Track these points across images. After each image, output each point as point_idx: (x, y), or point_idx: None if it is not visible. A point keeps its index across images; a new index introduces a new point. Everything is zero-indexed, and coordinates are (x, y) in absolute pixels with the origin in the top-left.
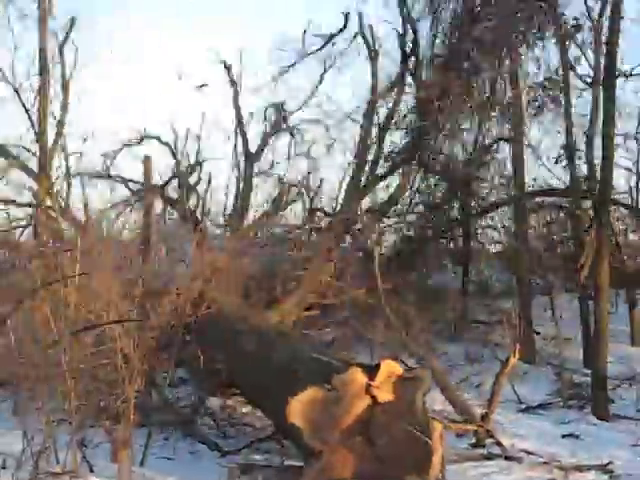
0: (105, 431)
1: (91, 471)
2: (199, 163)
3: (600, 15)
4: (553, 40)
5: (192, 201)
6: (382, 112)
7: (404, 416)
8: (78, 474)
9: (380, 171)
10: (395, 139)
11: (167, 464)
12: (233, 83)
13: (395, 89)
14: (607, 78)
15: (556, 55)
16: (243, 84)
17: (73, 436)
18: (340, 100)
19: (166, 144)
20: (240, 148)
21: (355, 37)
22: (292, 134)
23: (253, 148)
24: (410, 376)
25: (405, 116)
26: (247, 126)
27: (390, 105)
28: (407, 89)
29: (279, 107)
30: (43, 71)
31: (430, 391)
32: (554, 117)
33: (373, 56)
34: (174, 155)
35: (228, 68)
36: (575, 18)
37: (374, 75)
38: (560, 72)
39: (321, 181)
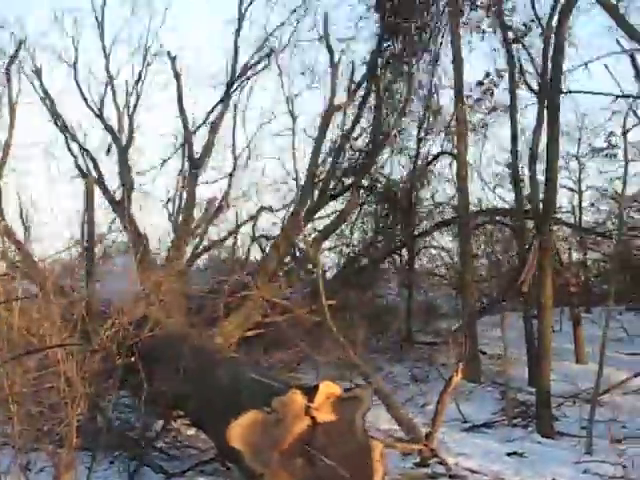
0: (48, 455)
1: None
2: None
3: (548, 25)
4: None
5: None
6: (334, 132)
7: (344, 436)
8: None
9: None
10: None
11: None
12: (177, 77)
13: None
14: (551, 94)
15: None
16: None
17: (16, 460)
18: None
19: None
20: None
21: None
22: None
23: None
24: (349, 396)
25: (358, 136)
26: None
27: (347, 122)
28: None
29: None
30: None
31: (370, 411)
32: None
33: (335, 63)
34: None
35: (172, 59)
36: (524, 24)
37: (332, 86)
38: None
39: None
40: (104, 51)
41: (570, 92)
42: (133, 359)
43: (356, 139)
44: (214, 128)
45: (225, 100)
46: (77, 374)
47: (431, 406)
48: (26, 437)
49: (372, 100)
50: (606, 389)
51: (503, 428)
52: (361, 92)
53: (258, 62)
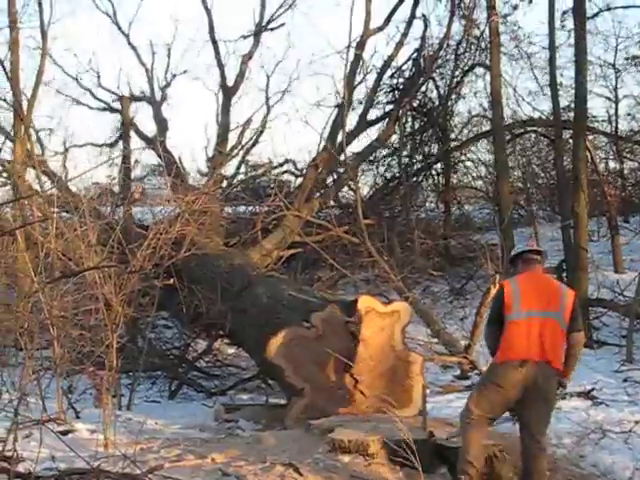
0: (89, 377)
1: (77, 417)
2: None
3: None
4: None
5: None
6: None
7: (384, 351)
8: (64, 420)
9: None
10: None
11: (154, 407)
12: (208, 12)
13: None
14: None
15: None
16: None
17: (58, 383)
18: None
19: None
20: (218, 81)
21: None
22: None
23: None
24: (388, 310)
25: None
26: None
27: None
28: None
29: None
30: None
31: (409, 325)
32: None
33: None
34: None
35: None
36: None
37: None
38: None
39: None
40: None
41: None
42: (171, 280)
43: (400, 68)
44: (246, 59)
45: (257, 35)
46: (116, 296)
47: (469, 319)
48: (67, 360)
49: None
50: None
51: None
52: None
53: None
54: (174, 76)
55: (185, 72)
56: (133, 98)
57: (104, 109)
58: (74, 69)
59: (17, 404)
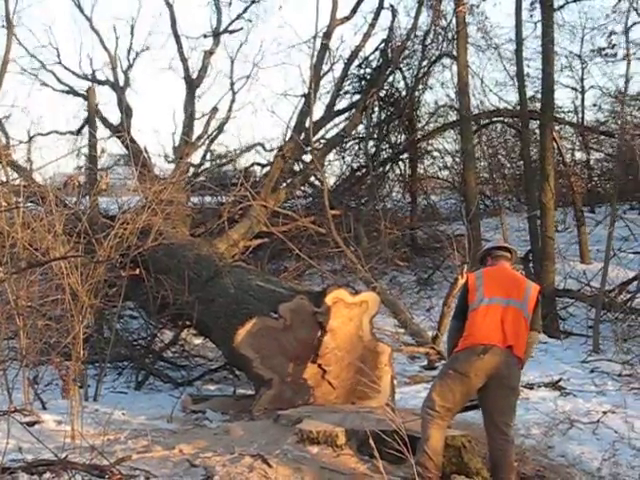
0: (55, 368)
1: (44, 408)
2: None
3: None
4: None
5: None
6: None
7: (352, 341)
8: (30, 411)
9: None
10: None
11: (120, 398)
12: (170, 7)
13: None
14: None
15: None
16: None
17: (24, 374)
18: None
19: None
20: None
21: None
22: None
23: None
24: (356, 301)
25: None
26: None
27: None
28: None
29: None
30: None
31: (379, 315)
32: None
33: None
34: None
35: None
36: None
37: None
38: None
39: None
40: None
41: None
42: (138, 270)
43: (367, 58)
44: (208, 55)
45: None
46: (82, 286)
47: (436, 309)
48: (33, 351)
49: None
50: (612, 288)
51: None
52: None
53: None
54: (137, 55)
55: (147, 49)
56: (96, 81)
57: (67, 92)
58: (36, 49)
59: None
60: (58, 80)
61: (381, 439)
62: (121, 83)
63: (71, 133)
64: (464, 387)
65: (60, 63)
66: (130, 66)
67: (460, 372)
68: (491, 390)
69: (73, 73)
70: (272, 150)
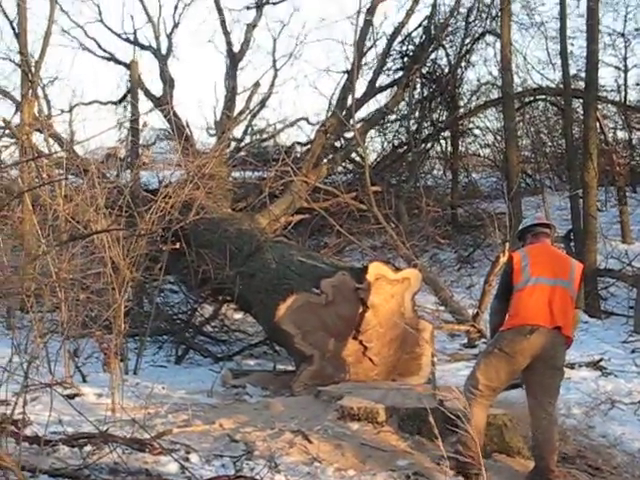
0: (96, 341)
1: (84, 381)
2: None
3: None
4: None
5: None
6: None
7: (393, 318)
8: (71, 384)
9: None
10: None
11: (160, 372)
12: None
13: None
14: None
15: None
16: None
17: (65, 347)
18: None
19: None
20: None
21: None
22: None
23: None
24: (399, 277)
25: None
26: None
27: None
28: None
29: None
30: None
31: (419, 292)
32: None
33: None
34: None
35: None
36: None
37: None
38: None
39: None
40: None
41: None
42: (179, 244)
43: (410, 35)
44: (251, 28)
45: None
46: (123, 260)
47: (477, 287)
48: (74, 324)
49: None
50: None
51: None
52: None
53: None
54: (179, 19)
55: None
56: (139, 45)
57: (109, 59)
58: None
59: (27, 367)
60: (99, 46)
61: (422, 416)
62: (163, 51)
63: (113, 103)
64: (509, 367)
65: (101, 21)
66: (176, 25)
67: (506, 352)
68: (537, 370)
69: (114, 33)
70: (315, 124)
